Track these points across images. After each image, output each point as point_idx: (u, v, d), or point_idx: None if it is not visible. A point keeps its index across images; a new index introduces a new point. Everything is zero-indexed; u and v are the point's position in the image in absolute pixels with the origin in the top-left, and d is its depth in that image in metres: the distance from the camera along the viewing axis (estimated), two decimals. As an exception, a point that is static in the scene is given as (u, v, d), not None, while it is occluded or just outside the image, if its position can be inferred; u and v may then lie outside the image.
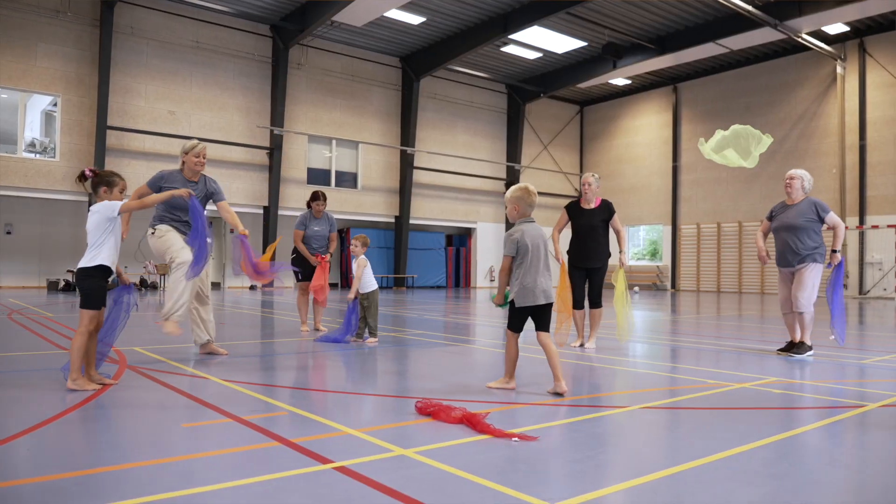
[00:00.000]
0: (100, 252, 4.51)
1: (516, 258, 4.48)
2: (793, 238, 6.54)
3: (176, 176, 5.80)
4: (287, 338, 7.75)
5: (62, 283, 18.12)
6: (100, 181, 4.59)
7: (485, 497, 2.47)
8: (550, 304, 4.55)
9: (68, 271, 18.12)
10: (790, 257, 6.55)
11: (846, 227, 20.84)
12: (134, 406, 4.02)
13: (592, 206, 7.06)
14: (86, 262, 4.53)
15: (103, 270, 4.54)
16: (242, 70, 20.56)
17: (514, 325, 4.58)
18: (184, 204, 5.47)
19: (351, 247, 7.31)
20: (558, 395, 4.35)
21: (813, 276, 6.47)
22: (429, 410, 3.72)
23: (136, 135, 18.64)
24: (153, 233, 5.72)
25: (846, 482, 2.81)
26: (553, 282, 4.65)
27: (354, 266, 7.17)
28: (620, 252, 7.04)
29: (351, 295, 7.15)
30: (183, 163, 5.83)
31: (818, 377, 5.32)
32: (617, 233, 7.07)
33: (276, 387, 4.67)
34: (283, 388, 4.62)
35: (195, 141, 5.91)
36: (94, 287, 4.54)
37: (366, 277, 7.16)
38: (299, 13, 19.70)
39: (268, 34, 20.81)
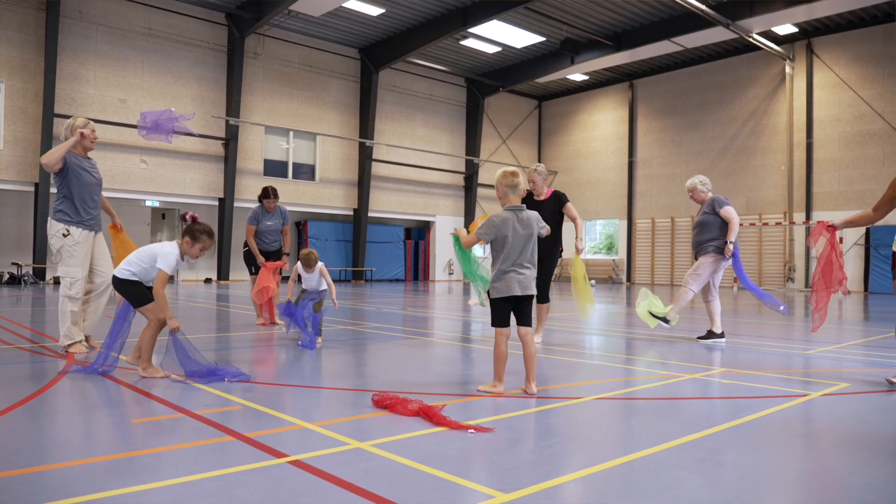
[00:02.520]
0: (135, 274, 4.67)
1: (495, 244, 4.29)
2: (696, 231, 7.50)
3: (80, 159, 5.61)
4: (242, 331, 7.64)
5: (7, 277, 17.49)
6: (188, 231, 4.70)
7: (441, 488, 2.49)
8: (530, 297, 4.33)
9: (13, 264, 17.50)
10: (694, 248, 7.52)
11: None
12: (83, 402, 3.92)
13: (543, 197, 6.98)
14: (120, 273, 4.67)
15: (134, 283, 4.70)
16: (197, 59, 20.10)
17: (497, 319, 4.30)
18: (94, 194, 5.65)
19: (304, 268, 6.74)
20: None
21: (703, 264, 7.27)
22: (385, 403, 3.72)
23: (85, 123, 18.03)
24: (66, 234, 5.51)
25: (790, 469, 2.91)
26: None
27: (316, 275, 6.67)
28: (577, 238, 6.74)
29: (335, 303, 6.83)
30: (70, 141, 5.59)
31: (764, 368, 5.49)
32: (573, 220, 6.84)
33: (230, 381, 4.60)
34: (238, 382, 4.55)
35: (84, 118, 5.73)
36: (136, 290, 4.69)
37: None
38: (255, 2, 19.35)
39: (223, 22, 20.38)
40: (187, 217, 4.80)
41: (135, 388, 4.25)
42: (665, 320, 7.20)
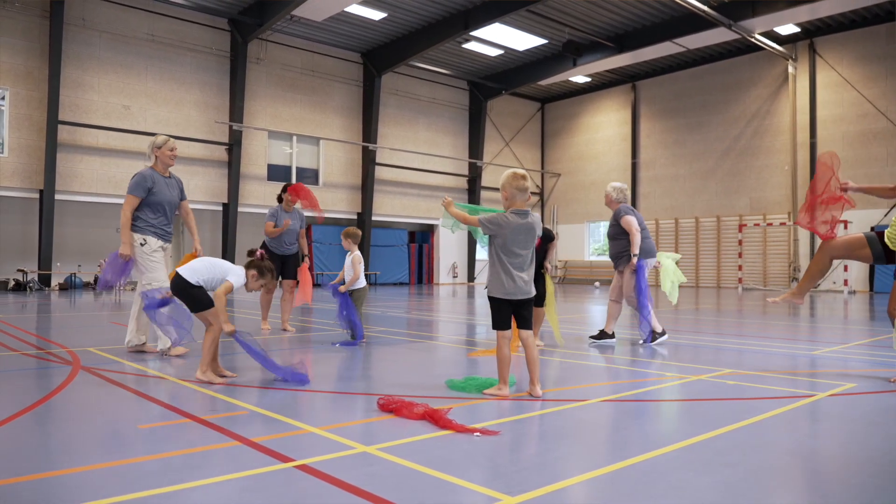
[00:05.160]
0: (201, 281, 4.84)
1: (496, 243, 4.27)
2: (610, 243, 7.26)
3: (155, 175, 5.86)
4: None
5: (12, 283, 17.55)
6: (257, 266, 4.95)
7: (447, 492, 2.49)
8: (530, 301, 4.33)
9: (19, 270, 17.56)
10: (613, 260, 7.29)
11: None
12: (88, 408, 3.92)
13: None
14: (188, 276, 4.84)
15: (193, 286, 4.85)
16: (200, 64, 20.17)
17: (497, 321, 4.30)
18: (168, 210, 5.89)
19: (343, 243, 7.13)
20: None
21: (633, 276, 7.03)
22: (391, 407, 3.72)
23: (90, 130, 18.13)
24: (143, 244, 5.78)
25: (797, 469, 2.90)
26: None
27: (349, 261, 6.98)
28: (546, 259, 6.73)
29: (343, 288, 6.92)
30: (156, 158, 5.90)
31: (770, 368, 5.48)
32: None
33: (236, 386, 4.61)
34: (244, 387, 4.57)
35: (164, 136, 6.00)
36: (198, 295, 4.84)
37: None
38: (258, 7, 19.41)
39: (226, 28, 20.45)
40: (257, 254, 5.06)
41: (141, 393, 4.26)
42: (662, 334, 7.03)
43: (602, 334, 7.11)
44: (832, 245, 5.00)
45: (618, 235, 7.10)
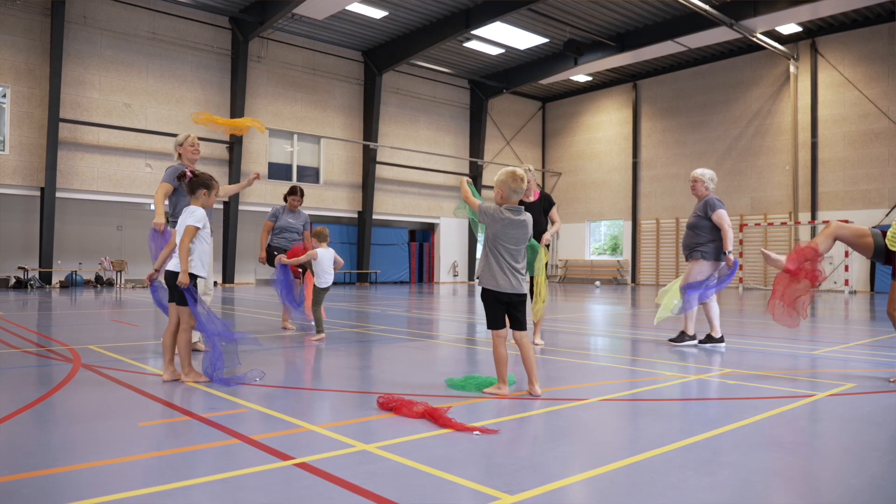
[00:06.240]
0: (191, 259, 4.56)
1: (487, 235, 4.29)
2: (687, 233, 6.97)
3: (185, 170, 5.91)
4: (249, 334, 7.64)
5: (13, 281, 17.56)
6: (200, 183, 4.68)
7: (446, 490, 2.49)
8: (523, 299, 4.34)
9: (20, 268, 17.57)
10: (684, 250, 6.98)
11: (789, 224, 21.37)
12: (89, 405, 3.93)
13: (532, 199, 6.93)
14: (174, 266, 4.61)
15: (193, 277, 4.59)
16: (201, 62, 20.17)
17: (492, 320, 4.31)
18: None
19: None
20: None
21: (695, 272, 6.70)
22: (391, 405, 3.73)
23: (90, 128, 18.14)
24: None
25: (796, 469, 2.90)
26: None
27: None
28: (547, 231, 6.71)
29: (284, 260, 7.27)
30: (179, 155, 6.05)
31: (770, 369, 5.47)
32: (552, 222, 6.90)
33: (236, 384, 4.61)
34: (244, 385, 4.57)
35: (185, 133, 6.14)
36: (188, 287, 4.59)
37: (316, 270, 7.05)
38: (259, 5, 19.41)
39: (227, 26, 20.44)
40: (187, 174, 4.83)
41: (142, 391, 4.27)
42: (692, 337, 6.80)
43: (682, 336, 6.83)
44: (839, 225, 5.03)
45: (700, 224, 6.75)
